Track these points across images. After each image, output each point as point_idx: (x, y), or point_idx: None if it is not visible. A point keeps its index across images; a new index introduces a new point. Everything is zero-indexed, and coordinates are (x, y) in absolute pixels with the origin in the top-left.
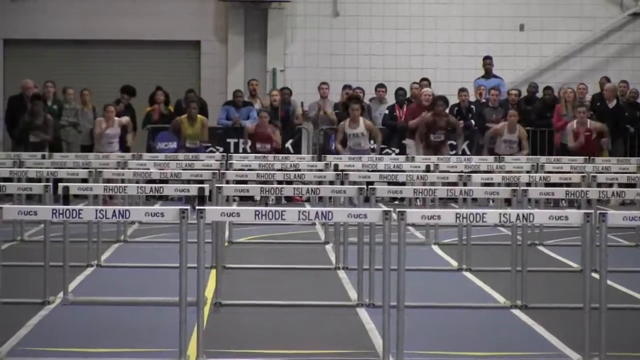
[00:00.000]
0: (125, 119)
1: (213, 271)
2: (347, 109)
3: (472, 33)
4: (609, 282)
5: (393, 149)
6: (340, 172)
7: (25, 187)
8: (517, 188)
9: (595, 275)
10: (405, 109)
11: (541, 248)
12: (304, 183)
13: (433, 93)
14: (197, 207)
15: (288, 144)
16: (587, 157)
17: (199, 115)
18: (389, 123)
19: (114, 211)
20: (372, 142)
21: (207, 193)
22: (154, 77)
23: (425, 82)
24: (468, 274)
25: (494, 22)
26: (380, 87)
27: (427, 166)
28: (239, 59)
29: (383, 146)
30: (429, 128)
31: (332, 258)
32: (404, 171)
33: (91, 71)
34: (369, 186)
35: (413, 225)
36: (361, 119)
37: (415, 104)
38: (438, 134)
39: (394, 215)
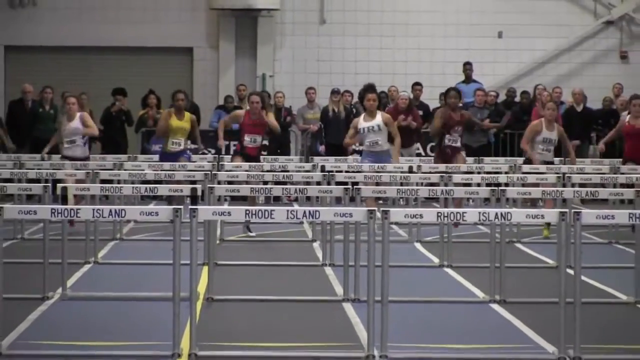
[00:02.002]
0: (87, 114)
1: (205, 268)
2: (362, 102)
3: (453, 40)
4: (584, 278)
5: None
6: (327, 173)
7: (25, 187)
8: (496, 188)
9: (570, 271)
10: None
11: (519, 245)
12: (292, 184)
13: (410, 97)
14: (189, 207)
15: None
16: None
17: (188, 113)
18: None
19: (110, 210)
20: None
21: (199, 193)
22: (149, 82)
23: (418, 86)
24: (449, 270)
25: (474, 30)
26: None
27: (410, 167)
28: (230, 64)
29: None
30: (446, 125)
31: (319, 255)
32: (388, 172)
33: (88, 76)
34: (354, 186)
35: (396, 223)
36: (379, 112)
37: (392, 107)
38: (454, 133)
39: (378, 215)
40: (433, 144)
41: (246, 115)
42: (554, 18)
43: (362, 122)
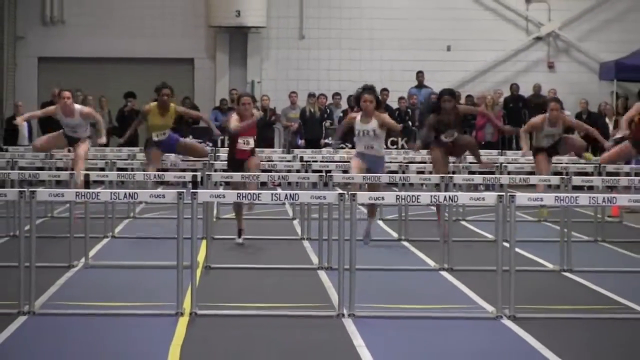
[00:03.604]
0: (87, 109)
1: (204, 241)
2: (358, 103)
3: (409, 52)
4: (517, 250)
5: (347, 144)
6: (305, 163)
7: (54, 174)
8: (445, 175)
9: (506, 244)
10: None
11: (464, 223)
12: (276, 171)
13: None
14: (191, 191)
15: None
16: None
17: (173, 106)
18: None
19: (125, 193)
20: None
21: (199, 179)
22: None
23: (385, 92)
24: (406, 244)
25: (427, 44)
26: (337, 95)
27: None
28: (224, 73)
29: (339, 142)
30: (437, 129)
31: (298, 230)
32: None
33: (107, 82)
34: (327, 173)
35: (362, 205)
36: (374, 116)
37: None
38: (449, 132)
39: (347, 197)
40: (393, 139)
41: (239, 117)
42: (493, 34)
43: (358, 123)
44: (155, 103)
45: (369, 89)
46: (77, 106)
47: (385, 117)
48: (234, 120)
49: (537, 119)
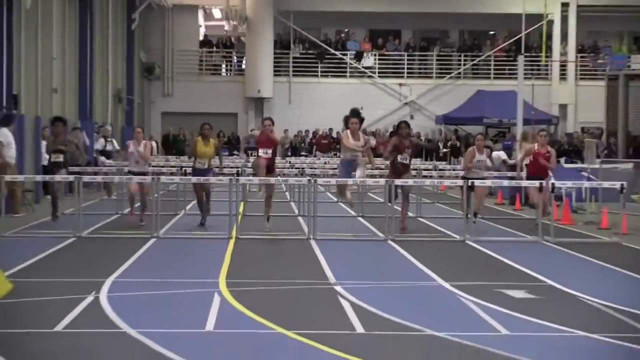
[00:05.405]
0: (152, 144)
1: (242, 202)
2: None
3: (342, 111)
4: (395, 207)
5: (310, 154)
6: (291, 163)
7: (168, 171)
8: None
9: (389, 204)
10: (315, 139)
11: (371, 194)
12: (277, 168)
13: (327, 132)
14: (235, 177)
15: None
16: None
17: (212, 140)
18: (310, 145)
19: (202, 179)
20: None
21: (240, 172)
22: (217, 129)
23: (330, 129)
24: (340, 203)
25: (351, 105)
26: (306, 130)
27: (325, 162)
28: (252, 121)
29: (306, 154)
30: (397, 149)
31: (289, 197)
32: (315, 163)
33: (194, 125)
34: (302, 169)
35: (320, 185)
36: (361, 134)
37: (320, 135)
38: (405, 154)
39: (312, 181)
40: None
41: (261, 134)
42: (382, 101)
43: (351, 141)
44: (200, 137)
45: (354, 113)
46: (144, 141)
47: (368, 140)
48: (252, 135)
49: (469, 150)
